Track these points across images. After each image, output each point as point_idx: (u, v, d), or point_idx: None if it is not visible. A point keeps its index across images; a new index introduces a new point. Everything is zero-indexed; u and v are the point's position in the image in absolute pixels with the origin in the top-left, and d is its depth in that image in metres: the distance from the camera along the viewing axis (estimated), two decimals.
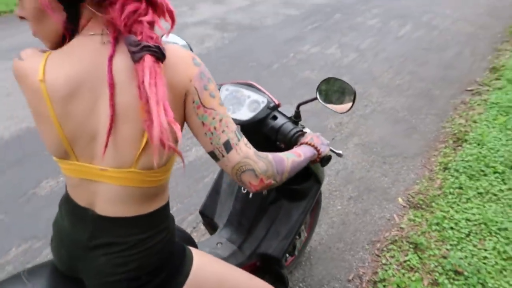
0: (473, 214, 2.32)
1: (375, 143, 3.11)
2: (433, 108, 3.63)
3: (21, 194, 2.44)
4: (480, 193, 2.49)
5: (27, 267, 1.03)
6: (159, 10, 0.81)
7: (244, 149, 0.89)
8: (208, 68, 0.88)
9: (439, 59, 4.74)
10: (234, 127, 0.89)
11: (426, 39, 5.39)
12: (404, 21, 6.03)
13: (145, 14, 0.79)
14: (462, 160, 2.78)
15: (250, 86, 1.42)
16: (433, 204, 2.44)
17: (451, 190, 2.54)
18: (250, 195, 1.53)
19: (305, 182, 1.55)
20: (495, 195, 2.46)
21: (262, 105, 1.34)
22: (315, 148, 1.20)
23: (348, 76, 4.17)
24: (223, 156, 0.88)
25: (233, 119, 1.06)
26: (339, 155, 1.36)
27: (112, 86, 0.78)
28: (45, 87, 0.79)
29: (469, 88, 3.99)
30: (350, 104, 1.30)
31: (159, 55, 0.77)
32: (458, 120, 3.40)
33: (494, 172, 2.63)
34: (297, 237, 1.80)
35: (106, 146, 0.81)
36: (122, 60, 0.79)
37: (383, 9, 6.62)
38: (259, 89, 1.41)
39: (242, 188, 1.53)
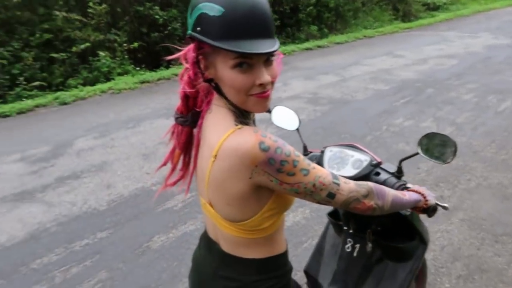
0: None
1: (484, 219, 2.92)
2: None
3: (137, 247, 2.68)
4: None
5: None
6: None
7: (346, 188, 0.96)
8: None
9: None
10: (330, 178, 0.94)
11: None
12: (503, 96, 5.79)
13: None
14: None
15: (353, 146, 1.53)
16: None
17: None
18: (355, 253, 1.54)
19: (410, 241, 1.54)
20: None
21: (365, 163, 1.43)
22: (422, 194, 1.23)
23: None
24: (329, 202, 0.96)
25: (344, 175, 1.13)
26: (445, 208, 1.35)
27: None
28: None
29: None
30: (452, 156, 1.35)
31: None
32: None
33: None
34: None
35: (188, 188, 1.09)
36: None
37: (478, 84, 6.46)
38: (361, 149, 1.51)
39: (346, 247, 1.56)
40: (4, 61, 6.72)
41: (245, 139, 0.86)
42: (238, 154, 0.85)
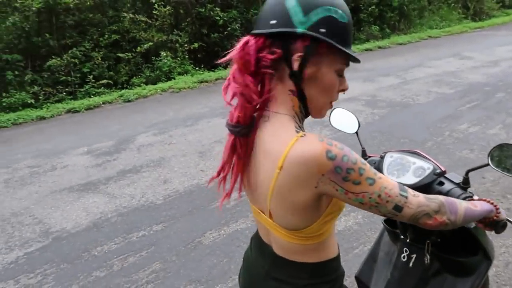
0: None
1: None
2: None
3: (190, 241, 2.77)
4: None
5: None
6: None
7: (414, 202, 0.91)
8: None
9: None
10: (397, 190, 0.89)
11: None
12: None
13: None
14: None
15: (415, 153, 1.45)
16: None
17: None
18: (410, 264, 1.47)
19: (473, 256, 1.43)
20: None
21: (428, 171, 1.35)
22: (494, 205, 1.13)
23: None
24: (396, 215, 0.91)
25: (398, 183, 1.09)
26: None
27: None
28: None
29: None
30: None
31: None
32: None
33: None
34: None
35: (233, 184, 1.02)
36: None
37: None
38: (424, 157, 1.42)
39: (402, 256, 1.49)
40: (76, 60, 7.25)
41: (311, 147, 0.84)
42: (305, 163, 0.84)
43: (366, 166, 0.87)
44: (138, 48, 7.75)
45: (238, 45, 0.91)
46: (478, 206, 1.07)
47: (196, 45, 8.42)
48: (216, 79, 7.35)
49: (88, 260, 2.64)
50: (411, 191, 0.94)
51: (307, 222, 0.93)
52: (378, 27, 10.95)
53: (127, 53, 7.73)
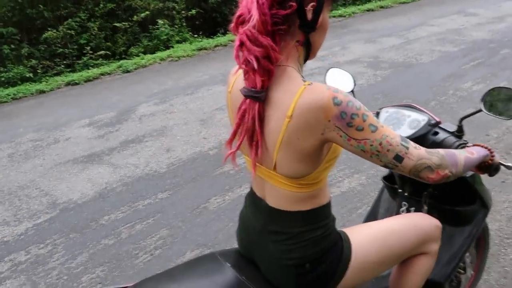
0: None
1: None
2: None
3: (195, 207, 2.80)
4: None
5: (218, 250, 1.23)
6: None
7: (415, 153, 0.93)
8: (363, 102, 0.92)
9: None
10: (399, 139, 0.92)
11: None
12: None
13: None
14: None
15: (410, 107, 1.47)
16: None
17: None
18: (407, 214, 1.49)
19: (470, 205, 1.47)
20: None
21: (423, 123, 1.38)
22: (488, 149, 1.18)
23: None
24: (396, 166, 0.93)
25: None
26: (509, 167, 1.27)
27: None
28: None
29: None
30: None
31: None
32: None
33: None
34: (462, 271, 1.67)
35: (257, 147, 0.96)
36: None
37: None
38: (419, 109, 1.44)
39: (401, 210, 1.51)
40: (73, 32, 7.11)
41: (319, 95, 0.88)
42: (313, 110, 0.87)
43: (369, 113, 0.90)
44: (135, 17, 7.57)
45: (248, 5, 0.89)
46: (475, 153, 1.11)
47: (193, 11, 8.21)
48: (215, 46, 7.21)
49: (96, 229, 2.69)
50: (412, 143, 0.95)
51: (310, 169, 0.97)
52: None
53: (123, 23, 7.56)
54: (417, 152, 0.94)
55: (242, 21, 0.92)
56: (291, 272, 1.04)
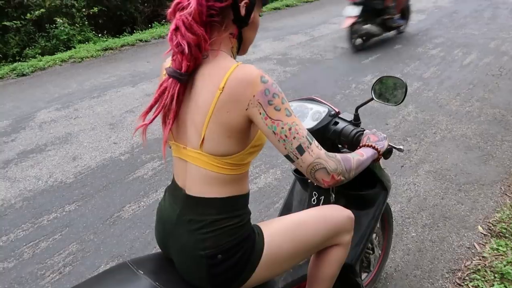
0: None
1: (448, 170, 3.01)
2: (509, 135, 3.47)
3: (108, 217, 2.64)
4: None
5: (131, 258, 1.17)
6: None
7: (316, 151, 1.01)
8: None
9: None
10: (305, 132, 1.00)
11: (495, 65, 5.21)
12: (469, 50, 5.88)
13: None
14: None
15: (312, 100, 1.56)
16: None
17: None
18: (320, 205, 1.57)
19: (372, 189, 1.60)
20: None
21: (324, 114, 1.47)
22: (374, 147, 1.29)
23: (414, 105, 4.12)
24: (297, 158, 1.00)
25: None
26: (400, 150, 1.42)
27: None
28: None
29: None
30: (402, 96, 1.43)
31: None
32: None
33: None
34: (370, 252, 1.80)
35: (171, 126, 1.05)
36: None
37: (444, 38, 6.52)
38: (320, 101, 1.54)
39: (312, 200, 1.58)
40: None
41: (249, 71, 0.98)
42: (242, 84, 0.96)
43: (287, 100, 1.01)
44: (28, 15, 6.91)
45: None
46: (364, 154, 1.21)
47: (95, 9, 7.75)
48: (122, 46, 6.88)
49: None
50: (316, 142, 1.02)
51: (237, 148, 1.03)
52: None
53: (15, 21, 6.87)
54: (318, 150, 1.01)
55: (180, 8, 0.99)
56: (203, 263, 1.05)
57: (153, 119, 1.06)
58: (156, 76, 5.30)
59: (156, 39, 7.37)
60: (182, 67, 0.99)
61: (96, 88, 5.00)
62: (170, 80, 1.02)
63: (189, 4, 0.97)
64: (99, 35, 7.63)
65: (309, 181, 1.58)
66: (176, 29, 0.98)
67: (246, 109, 0.97)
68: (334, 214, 1.26)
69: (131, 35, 7.66)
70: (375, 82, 1.48)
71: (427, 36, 6.68)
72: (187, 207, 1.08)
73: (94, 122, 4.05)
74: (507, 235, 2.33)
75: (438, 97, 4.33)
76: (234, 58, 1.09)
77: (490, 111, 3.93)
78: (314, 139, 1.01)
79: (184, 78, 1.00)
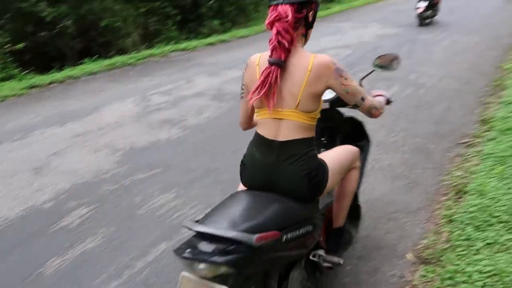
0: (485, 266, 2.29)
1: (378, 199, 3.14)
2: (430, 162, 3.71)
3: (27, 275, 2.41)
4: (489, 244, 2.47)
5: None
6: None
7: (370, 99, 1.75)
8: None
9: (430, 115, 4.92)
10: (362, 89, 1.71)
11: (415, 97, 5.62)
12: (391, 82, 6.30)
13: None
14: (466, 212, 2.80)
15: None
16: (443, 258, 2.42)
17: (459, 242, 2.52)
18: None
19: (362, 141, 2.38)
20: (503, 244, 2.45)
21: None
22: (383, 95, 2.10)
23: None
24: (362, 104, 1.72)
25: (323, 99, 1.95)
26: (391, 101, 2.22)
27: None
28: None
29: (462, 141, 4.11)
30: (397, 64, 2.25)
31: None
32: (456, 172, 3.46)
33: (500, 222, 2.64)
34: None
35: (274, 95, 1.61)
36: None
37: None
38: None
39: (321, 150, 2.12)
40: None
41: (324, 58, 1.61)
42: (323, 65, 1.59)
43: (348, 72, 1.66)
44: None
45: (284, 10, 1.56)
46: (381, 100, 1.98)
47: (21, 45, 7.39)
48: (50, 83, 6.57)
49: None
50: (370, 97, 1.77)
51: (316, 107, 1.66)
52: (219, 21, 11.25)
53: None
54: (371, 99, 1.76)
55: (277, 19, 1.56)
56: (305, 179, 1.64)
57: (263, 93, 1.58)
58: (87, 114, 5.09)
59: (87, 75, 7.12)
60: (281, 57, 1.57)
61: (19, 129, 4.68)
62: (273, 67, 1.57)
63: (286, 16, 1.54)
64: (25, 72, 7.24)
65: (322, 139, 2.29)
66: (278, 33, 1.55)
67: (327, 82, 1.60)
68: (351, 148, 1.97)
69: (60, 71, 7.35)
70: (374, 59, 2.29)
71: (354, 70, 7.09)
72: (283, 149, 1.64)
73: (15, 167, 3.75)
74: (433, 261, 2.44)
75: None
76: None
77: (412, 141, 4.21)
78: (368, 95, 1.77)
79: (282, 63, 1.58)
